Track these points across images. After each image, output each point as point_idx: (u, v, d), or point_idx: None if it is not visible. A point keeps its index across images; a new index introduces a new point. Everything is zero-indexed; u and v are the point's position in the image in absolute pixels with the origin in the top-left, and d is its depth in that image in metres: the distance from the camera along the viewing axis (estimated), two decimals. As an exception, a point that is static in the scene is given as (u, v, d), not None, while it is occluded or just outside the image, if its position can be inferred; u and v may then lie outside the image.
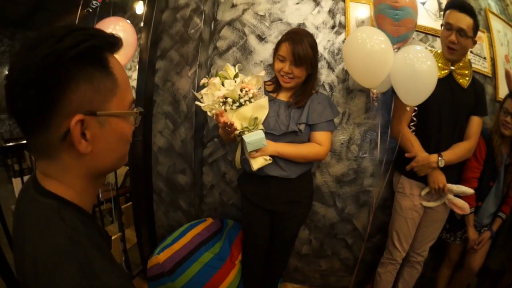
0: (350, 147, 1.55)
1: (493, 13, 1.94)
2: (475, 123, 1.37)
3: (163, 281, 1.26)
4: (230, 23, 1.58)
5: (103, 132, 0.44)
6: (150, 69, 1.61)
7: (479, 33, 1.83)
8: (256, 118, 1.12)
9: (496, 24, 1.95)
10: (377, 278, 1.57)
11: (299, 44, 1.13)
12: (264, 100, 1.13)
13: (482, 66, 1.81)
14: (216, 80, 1.12)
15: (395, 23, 1.21)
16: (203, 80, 1.15)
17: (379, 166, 1.54)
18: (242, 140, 1.15)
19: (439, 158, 1.29)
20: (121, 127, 0.47)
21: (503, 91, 1.80)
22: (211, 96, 1.12)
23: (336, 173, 1.57)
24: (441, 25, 1.33)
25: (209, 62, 1.59)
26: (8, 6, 3.87)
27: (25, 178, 1.44)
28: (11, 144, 2.03)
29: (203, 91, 1.14)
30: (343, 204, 1.61)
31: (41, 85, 0.38)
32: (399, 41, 1.26)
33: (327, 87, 1.52)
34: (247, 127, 1.14)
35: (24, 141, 1.31)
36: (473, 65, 1.75)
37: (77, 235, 0.40)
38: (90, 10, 2.02)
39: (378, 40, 1.17)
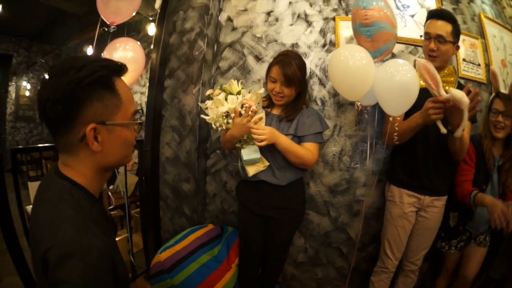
0: (342, 158, 1.68)
1: (487, 18, 2.00)
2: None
3: (163, 277, 1.42)
4: (231, 45, 1.80)
5: (111, 137, 0.62)
6: (159, 87, 1.85)
7: (472, 40, 1.92)
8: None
9: (492, 29, 2.02)
10: (370, 287, 1.62)
11: (288, 67, 1.30)
12: (262, 115, 1.32)
13: (476, 73, 1.88)
14: (221, 96, 1.30)
15: (368, 39, 1.35)
16: (209, 91, 1.35)
17: (371, 176, 1.68)
18: (240, 152, 1.35)
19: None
20: (124, 134, 0.65)
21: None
22: (215, 110, 1.30)
23: (329, 183, 1.70)
24: (420, 36, 1.44)
25: (212, 80, 1.81)
26: (26, 19, 4.31)
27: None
28: (47, 144, 2.31)
29: (208, 104, 1.33)
30: (337, 213, 1.72)
31: (66, 103, 0.56)
32: (378, 55, 1.38)
33: (319, 101, 1.68)
34: (245, 139, 1.33)
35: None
36: (466, 73, 1.85)
37: (81, 209, 0.58)
38: (106, 29, 2.34)
39: (359, 56, 1.29)
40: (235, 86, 1.33)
